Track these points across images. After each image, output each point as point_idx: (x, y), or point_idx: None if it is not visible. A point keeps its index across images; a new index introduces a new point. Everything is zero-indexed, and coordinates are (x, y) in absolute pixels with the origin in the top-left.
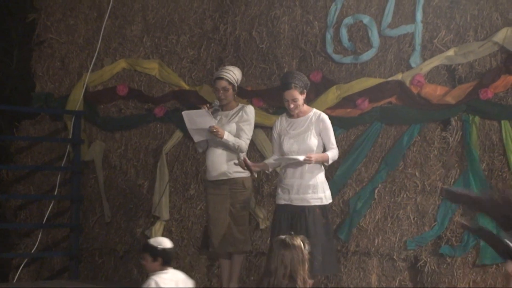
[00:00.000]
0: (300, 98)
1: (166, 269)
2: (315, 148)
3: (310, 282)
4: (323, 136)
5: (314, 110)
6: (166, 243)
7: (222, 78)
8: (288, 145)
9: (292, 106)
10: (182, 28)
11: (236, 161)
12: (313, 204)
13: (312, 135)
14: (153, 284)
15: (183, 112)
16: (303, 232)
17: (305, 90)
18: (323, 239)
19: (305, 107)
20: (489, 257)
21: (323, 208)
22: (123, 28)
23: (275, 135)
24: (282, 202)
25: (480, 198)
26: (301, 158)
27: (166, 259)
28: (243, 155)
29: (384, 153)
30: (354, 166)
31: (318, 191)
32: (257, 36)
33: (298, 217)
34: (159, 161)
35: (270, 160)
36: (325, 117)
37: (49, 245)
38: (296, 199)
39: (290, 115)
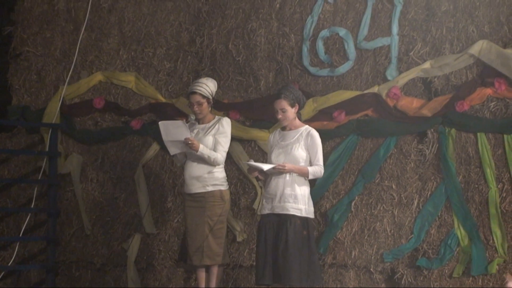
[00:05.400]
0: (290, 109)
1: None
2: (301, 161)
3: None
4: (310, 151)
5: (307, 126)
6: None
7: (195, 93)
8: (275, 155)
9: (280, 116)
10: (158, 41)
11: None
12: (292, 213)
13: (300, 147)
14: None
15: (159, 122)
16: (283, 243)
17: (296, 104)
18: (302, 251)
19: (298, 122)
20: (477, 268)
21: (304, 220)
22: (100, 41)
23: (269, 147)
24: (266, 211)
25: None
26: (268, 166)
27: None
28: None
29: (360, 165)
30: (331, 178)
31: (299, 202)
32: (234, 48)
33: (281, 227)
34: (136, 173)
35: (246, 164)
36: (315, 133)
37: (26, 258)
38: (278, 207)
39: (283, 128)
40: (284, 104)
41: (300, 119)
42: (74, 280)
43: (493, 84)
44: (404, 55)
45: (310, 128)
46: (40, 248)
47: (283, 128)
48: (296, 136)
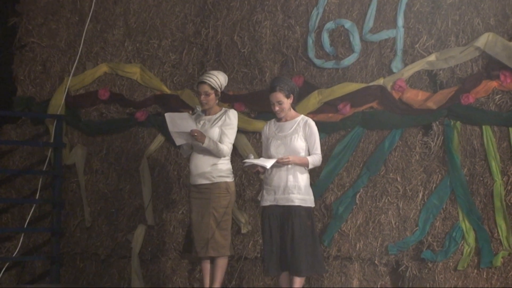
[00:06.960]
0: (286, 101)
1: None
2: (301, 151)
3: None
4: (308, 141)
5: (302, 115)
6: None
7: (204, 83)
8: (275, 146)
9: (277, 108)
10: (163, 32)
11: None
12: (297, 204)
13: (299, 138)
14: None
15: (165, 114)
16: (290, 234)
17: (291, 95)
18: (308, 241)
19: (293, 112)
20: (487, 261)
21: (308, 210)
22: (105, 32)
23: (264, 138)
24: (267, 203)
25: None
26: (271, 162)
27: None
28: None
29: (365, 158)
30: (336, 171)
31: (303, 192)
32: (239, 40)
33: (285, 218)
34: (141, 165)
35: (250, 160)
36: (312, 122)
37: (30, 249)
38: (281, 199)
39: (279, 119)
40: (280, 96)
41: (294, 108)
42: (79, 271)
43: (499, 77)
44: (409, 47)
45: (306, 117)
46: (44, 239)
47: (278, 119)
48: (293, 127)
